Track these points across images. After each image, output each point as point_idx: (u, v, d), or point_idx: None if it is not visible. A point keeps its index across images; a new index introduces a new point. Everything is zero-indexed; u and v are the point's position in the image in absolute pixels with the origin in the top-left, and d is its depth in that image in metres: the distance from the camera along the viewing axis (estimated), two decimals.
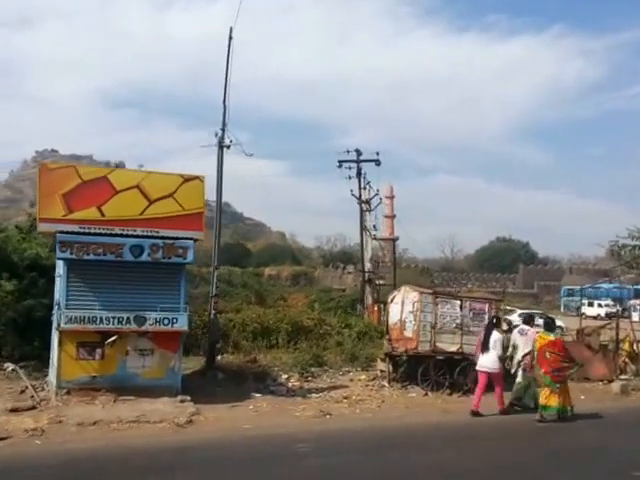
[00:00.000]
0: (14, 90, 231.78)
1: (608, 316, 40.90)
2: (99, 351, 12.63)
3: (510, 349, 13.28)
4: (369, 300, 36.15)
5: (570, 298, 56.60)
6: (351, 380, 15.93)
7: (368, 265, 35.41)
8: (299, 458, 8.97)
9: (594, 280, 63.60)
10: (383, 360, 15.96)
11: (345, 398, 13.89)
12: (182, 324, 12.71)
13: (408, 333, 15.30)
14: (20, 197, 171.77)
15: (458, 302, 15.46)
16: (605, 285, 56.44)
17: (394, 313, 15.98)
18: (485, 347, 12.78)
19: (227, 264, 70.01)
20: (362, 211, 34.13)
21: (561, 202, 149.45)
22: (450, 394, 14.87)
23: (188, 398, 12.63)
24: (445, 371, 15.11)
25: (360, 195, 31.40)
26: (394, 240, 60.52)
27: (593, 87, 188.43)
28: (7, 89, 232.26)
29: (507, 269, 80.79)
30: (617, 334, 18.51)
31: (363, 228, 35.00)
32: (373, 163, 31.83)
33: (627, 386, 15.88)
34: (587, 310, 51.64)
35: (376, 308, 34.88)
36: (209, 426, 11.24)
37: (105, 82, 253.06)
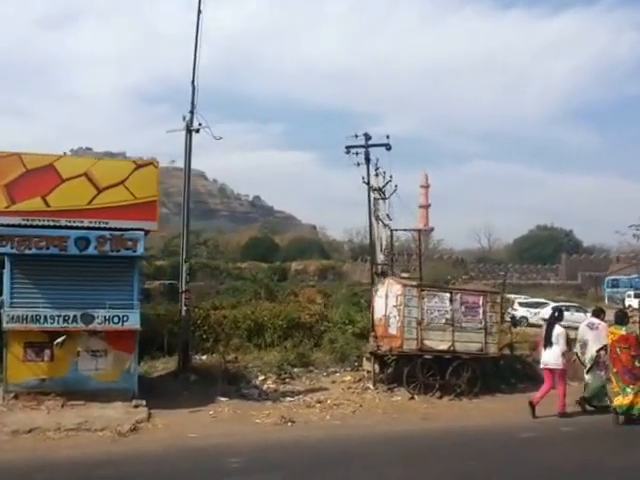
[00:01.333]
0: (51, 88, 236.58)
1: None
2: (48, 352, 11.70)
3: (578, 345, 12.61)
4: None
5: (615, 289, 53.84)
6: (333, 382, 14.71)
7: (381, 257, 33.98)
8: (219, 476, 7.88)
9: None
10: (369, 359, 14.72)
11: (319, 402, 12.71)
12: (134, 322, 11.69)
13: (392, 330, 14.05)
14: None
15: (447, 295, 14.13)
16: None
17: (379, 308, 14.75)
18: (548, 342, 11.99)
19: (254, 259, 69.85)
20: (374, 199, 32.64)
21: (609, 186, 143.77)
22: (440, 397, 13.59)
23: (143, 403, 11.62)
24: (435, 372, 13.82)
25: (368, 181, 29.78)
26: (419, 231, 58.90)
27: None
28: (44, 88, 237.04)
29: (549, 259, 77.88)
30: None
31: (376, 217, 33.61)
32: (384, 148, 30.19)
33: None
34: (633, 302, 49.23)
35: None
36: (153, 435, 10.24)
37: (140, 78, 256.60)
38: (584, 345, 12.44)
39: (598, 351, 12.08)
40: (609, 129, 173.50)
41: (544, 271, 76.15)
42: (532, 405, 11.77)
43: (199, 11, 14.50)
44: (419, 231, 63.31)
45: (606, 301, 51.86)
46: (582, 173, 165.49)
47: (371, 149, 30.31)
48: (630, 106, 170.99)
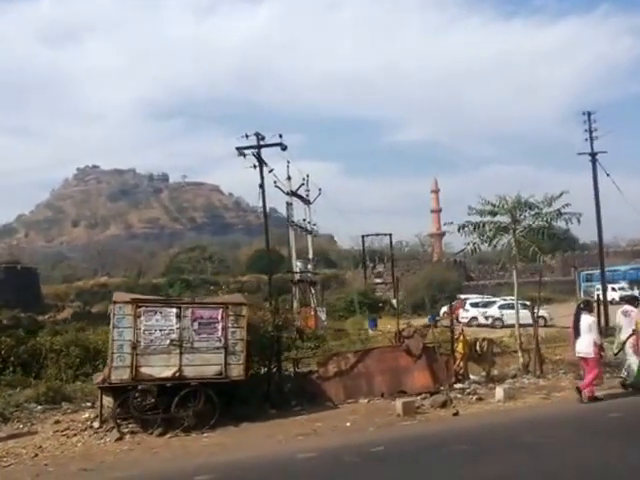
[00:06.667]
0: (58, 107, 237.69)
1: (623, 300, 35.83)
2: None
3: (617, 331, 13.28)
4: (312, 303, 32.53)
5: (590, 283, 51.10)
6: (57, 422, 12.33)
7: (298, 264, 31.79)
8: None
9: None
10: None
11: None
12: None
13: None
14: (61, 217, 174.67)
15: (174, 311, 11.70)
16: (622, 267, 50.91)
17: None
18: (577, 332, 12.25)
19: (259, 271, 68.36)
20: (287, 204, 30.69)
21: (610, 183, 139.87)
22: (162, 434, 11.19)
23: None
24: (157, 403, 11.44)
25: (262, 184, 27.43)
26: (390, 235, 56.88)
27: None
28: (51, 107, 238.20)
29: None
30: (452, 332, 14.38)
31: (290, 223, 31.51)
32: (279, 148, 28.01)
33: (412, 404, 11.73)
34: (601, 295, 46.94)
35: (313, 313, 31.23)
36: None
37: (149, 92, 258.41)
38: (619, 331, 13.05)
39: (629, 336, 12.51)
40: (612, 128, 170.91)
41: (541, 269, 73.38)
42: (579, 390, 11.86)
43: None
44: (390, 235, 61.79)
45: (581, 294, 49.19)
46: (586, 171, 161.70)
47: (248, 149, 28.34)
48: (631, 105, 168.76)
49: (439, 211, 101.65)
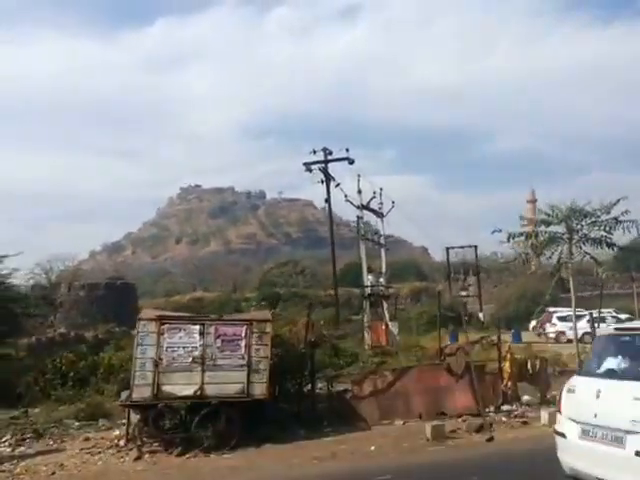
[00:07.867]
0: (162, 130, 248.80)
1: None
2: None
3: None
4: (384, 317, 31.75)
5: None
6: (87, 439, 12.30)
7: (369, 278, 31.09)
8: None
9: None
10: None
11: None
12: None
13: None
14: (166, 234, 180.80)
15: (197, 328, 11.48)
16: None
17: None
18: None
19: (347, 285, 68.50)
20: (357, 217, 30.19)
21: None
22: (182, 454, 10.92)
23: None
24: (178, 423, 11.23)
25: (328, 198, 27.14)
26: (476, 247, 54.97)
27: None
28: (155, 129, 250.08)
29: None
30: (499, 350, 13.41)
31: (361, 237, 30.91)
32: (346, 162, 27.65)
33: (442, 428, 10.94)
34: None
35: (384, 327, 30.46)
36: None
37: (246, 113, 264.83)
38: None
39: None
40: None
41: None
42: None
43: None
44: (475, 247, 59.70)
45: None
46: None
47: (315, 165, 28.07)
48: None
49: (536, 222, 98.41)
